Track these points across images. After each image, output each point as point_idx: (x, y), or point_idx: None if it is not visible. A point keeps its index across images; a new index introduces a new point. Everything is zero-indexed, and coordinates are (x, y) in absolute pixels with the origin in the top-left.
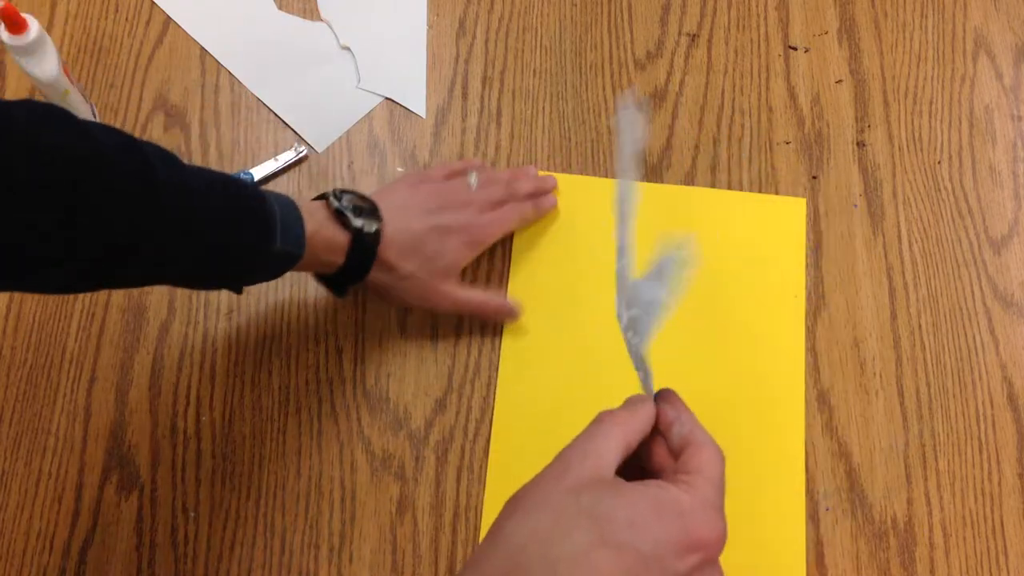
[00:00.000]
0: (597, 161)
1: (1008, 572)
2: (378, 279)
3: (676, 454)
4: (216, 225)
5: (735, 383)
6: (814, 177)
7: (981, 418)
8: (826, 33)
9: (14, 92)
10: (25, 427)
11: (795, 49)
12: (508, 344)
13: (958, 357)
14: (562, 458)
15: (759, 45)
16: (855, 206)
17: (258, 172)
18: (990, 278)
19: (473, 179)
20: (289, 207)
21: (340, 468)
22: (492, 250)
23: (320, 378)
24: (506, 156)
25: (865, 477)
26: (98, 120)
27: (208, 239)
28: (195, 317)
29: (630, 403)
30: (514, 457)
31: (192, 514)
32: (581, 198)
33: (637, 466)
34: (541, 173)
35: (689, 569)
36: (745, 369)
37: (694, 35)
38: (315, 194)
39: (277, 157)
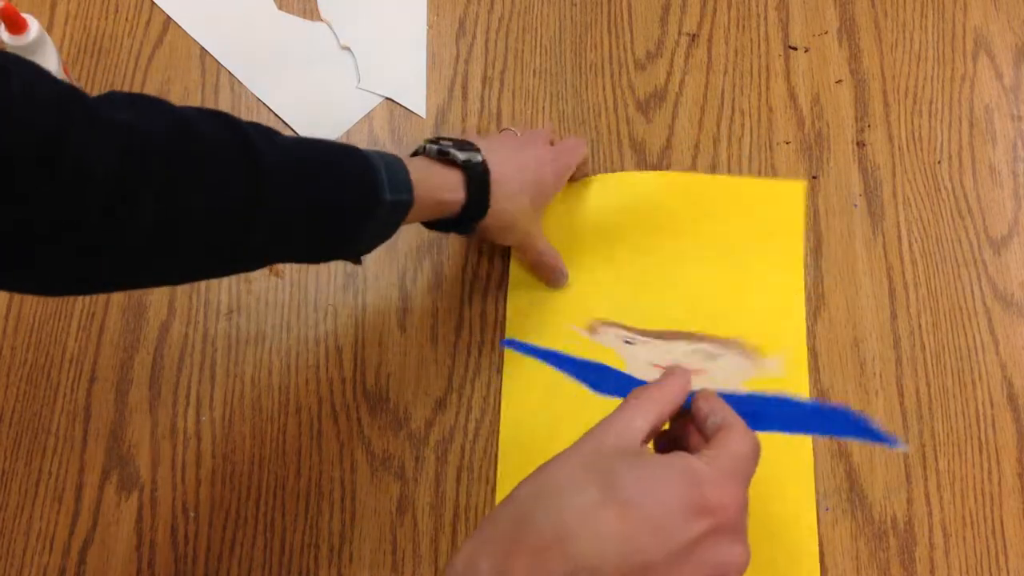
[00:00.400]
0: (597, 161)
1: (1008, 572)
2: (496, 208)
3: (708, 434)
4: (323, 189)
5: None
6: (814, 177)
7: (981, 418)
8: (826, 33)
9: None
10: (25, 427)
11: (795, 49)
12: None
13: (958, 357)
14: (588, 432)
15: (759, 45)
16: (855, 206)
17: None
18: (990, 278)
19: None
20: (389, 157)
21: (340, 468)
22: (491, 254)
23: (320, 378)
24: None
25: (865, 477)
26: None
27: (317, 203)
28: (195, 317)
29: (664, 375)
30: (521, 463)
31: (192, 514)
32: (589, 197)
33: (674, 450)
34: None
35: (698, 535)
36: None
37: (694, 35)
38: None
39: None
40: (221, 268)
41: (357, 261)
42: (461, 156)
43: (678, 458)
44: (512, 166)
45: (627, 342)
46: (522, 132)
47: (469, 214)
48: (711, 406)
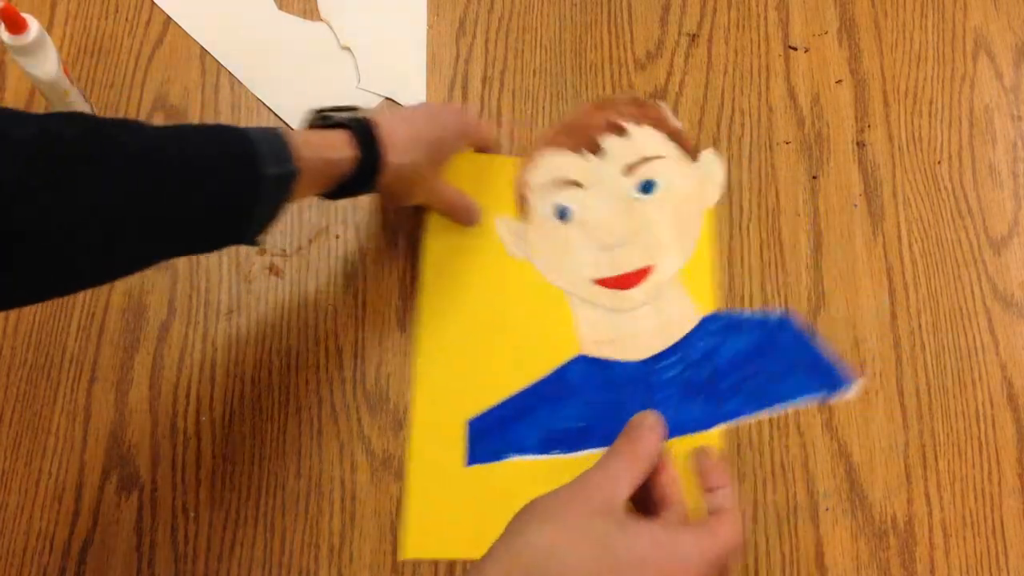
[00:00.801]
0: None
1: (1008, 572)
2: (393, 164)
3: (708, 509)
4: (197, 171)
5: None
6: (814, 177)
7: (981, 418)
8: (826, 33)
9: (14, 92)
10: (25, 427)
11: (795, 49)
12: (424, 333)
13: (958, 357)
14: (580, 482)
15: (759, 45)
16: (855, 206)
17: None
18: (990, 278)
19: None
20: (268, 130)
21: (340, 468)
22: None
23: (320, 378)
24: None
25: (865, 477)
26: None
27: (192, 186)
28: (195, 317)
29: (639, 428)
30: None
31: (192, 514)
32: (487, 176)
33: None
34: None
35: None
36: (703, 287)
37: (694, 35)
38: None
39: None
40: (114, 270)
41: (254, 243)
42: (343, 116)
43: (672, 540)
44: (400, 119)
45: (562, 210)
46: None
47: (364, 168)
48: (719, 479)
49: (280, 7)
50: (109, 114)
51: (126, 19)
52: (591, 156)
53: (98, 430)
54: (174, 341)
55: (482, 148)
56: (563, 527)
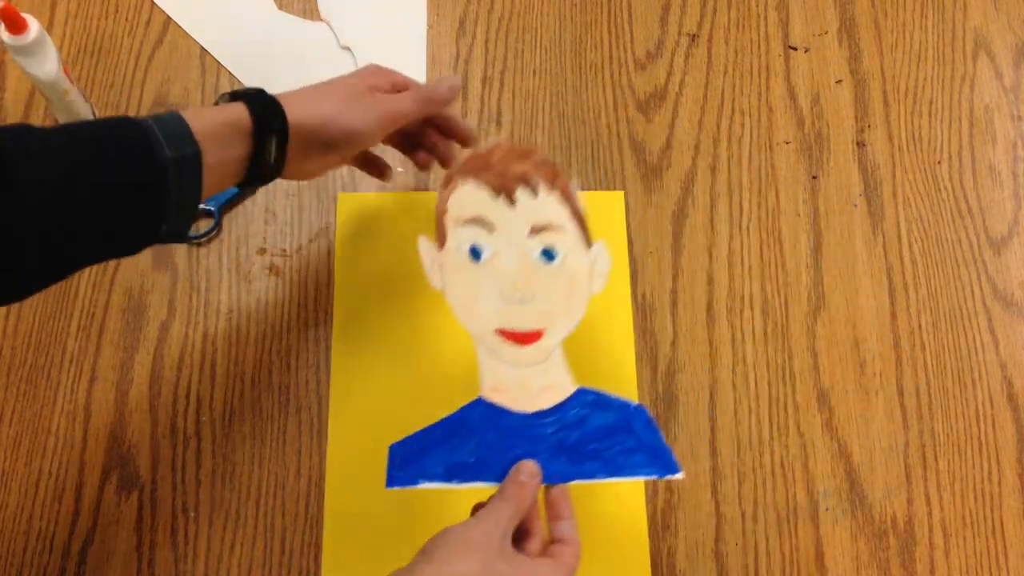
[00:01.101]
0: (597, 160)
1: (1008, 572)
2: (303, 116)
3: (552, 537)
4: (95, 167)
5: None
6: (814, 177)
7: (981, 418)
8: (826, 33)
9: (14, 92)
10: (25, 427)
11: (795, 49)
12: (338, 349)
13: (958, 357)
14: (478, 521)
15: (759, 45)
16: (855, 206)
17: None
18: (990, 278)
19: None
20: (164, 114)
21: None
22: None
23: (320, 378)
24: None
25: (865, 477)
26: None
27: (86, 187)
28: (195, 317)
29: (522, 481)
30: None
31: (192, 514)
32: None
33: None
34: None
35: None
36: (579, 361)
37: (694, 35)
38: (315, 194)
39: None
40: (24, 283)
41: (182, 238)
42: (238, 91)
43: (536, 567)
44: (313, 86)
45: (474, 250)
46: None
47: (263, 121)
48: (567, 512)
49: (280, 7)
50: (109, 114)
51: (126, 19)
52: (506, 204)
53: (98, 430)
54: (174, 341)
55: (432, 106)
56: (470, 560)
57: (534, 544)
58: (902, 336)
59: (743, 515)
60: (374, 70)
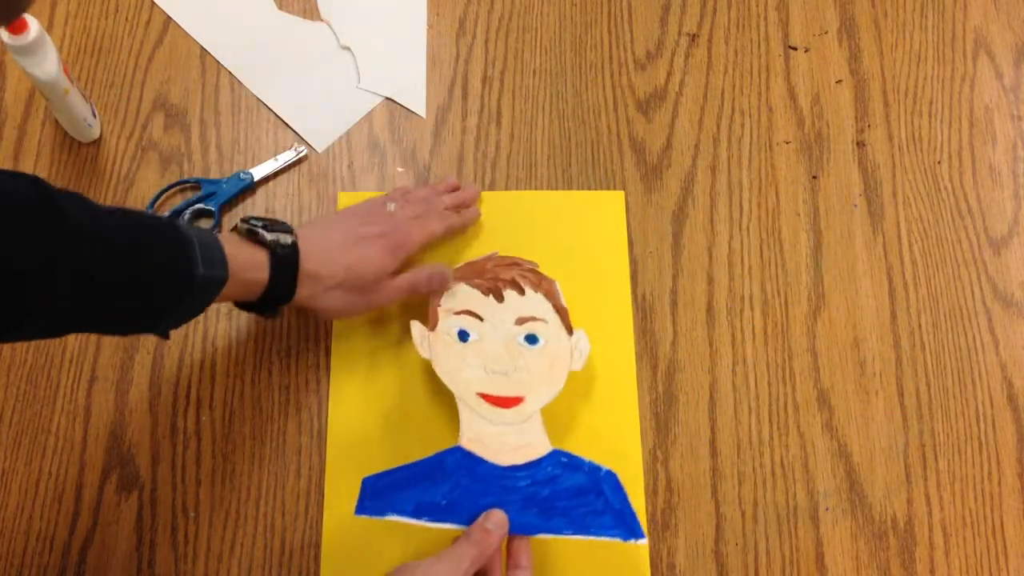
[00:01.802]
0: (597, 160)
1: (1008, 572)
2: (305, 294)
3: None
4: (135, 260)
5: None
6: (814, 177)
7: (981, 418)
8: (826, 33)
9: (14, 92)
10: (25, 427)
11: (795, 49)
12: (337, 367)
13: (958, 357)
14: (440, 559)
15: (759, 45)
16: (855, 206)
17: (258, 172)
18: (990, 278)
19: (392, 206)
20: (204, 234)
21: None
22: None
23: (320, 378)
24: (506, 156)
25: (865, 477)
26: (98, 119)
27: (123, 272)
28: (167, 341)
29: (487, 529)
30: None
31: (192, 514)
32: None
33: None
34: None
35: None
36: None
37: (694, 35)
38: (315, 194)
39: (277, 157)
40: (19, 328)
41: (164, 336)
42: (269, 236)
43: None
44: (329, 246)
45: (462, 333)
46: (400, 200)
47: (272, 295)
48: (525, 562)
49: (280, 7)
50: (109, 114)
51: (126, 19)
52: (494, 301)
53: (98, 430)
54: (174, 341)
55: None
56: None
57: None
58: (902, 336)
59: (743, 515)
60: (407, 252)
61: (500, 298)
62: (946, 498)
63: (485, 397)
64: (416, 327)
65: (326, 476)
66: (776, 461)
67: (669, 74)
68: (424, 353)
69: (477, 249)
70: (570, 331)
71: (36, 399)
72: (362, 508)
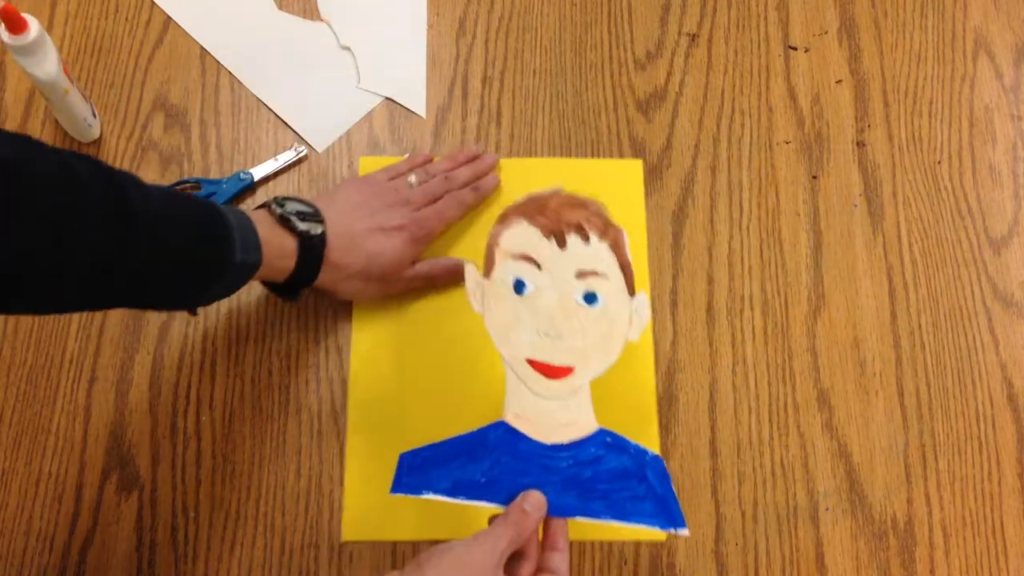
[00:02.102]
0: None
1: (1008, 572)
2: (326, 279)
3: (543, 566)
4: (184, 242)
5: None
6: (814, 177)
7: (981, 418)
8: (826, 33)
9: (14, 92)
10: (25, 427)
11: (795, 49)
12: (357, 348)
13: (958, 357)
14: (476, 540)
15: (759, 45)
16: (855, 206)
17: (258, 172)
18: (990, 278)
19: (413, 179)
20: (242, 218)
21: (340, 468)
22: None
23: (320, 378)
24: (506, 156)
25: (865, 477)
26: (98, 119)
27: (173, 259)
28: (195, 317)
29: (524, 510)
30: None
31: (192, 514)
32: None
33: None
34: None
35: None
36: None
37: (694, 35)
38: (315, 194)
39: (277, 157)
40: (81, 303)
41: (193, 312)
42: (301, 227)
43: None
44: (351, 237)
45: (519, 283)
46: (420, 176)
47: (296, 281)
48: (563, 544)
49: (280, 7)
50: (109, 114)
51: (126, 19)
52: (556, 246)
53: (98, 430)
54: (174, 341)
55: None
56: (458, 572)
57: (527, 568)
58: (902, 336)
59: (743, 515)
60: (427, 242)
61: (563, 243)
62: (946, 498)
63: (533, 364)
64: (470, 272)
65: (347, 450)
66: (776, 461)
67: (669, 74)
68: (476, 306)
69: (489, 219)
70: (632, 292)
71: (36, 399)
72: (398, 485)
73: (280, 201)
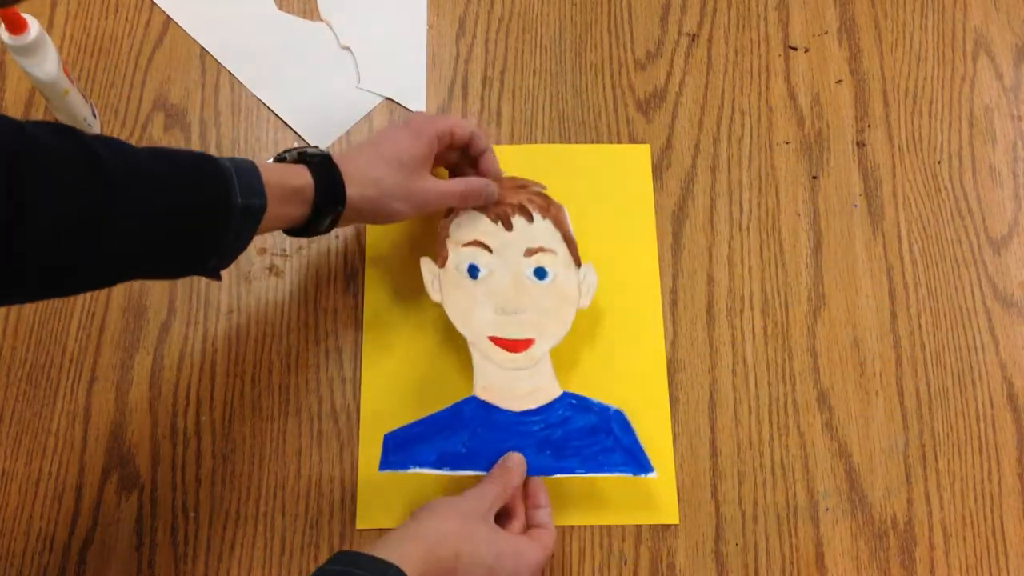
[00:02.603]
0: None
1: (1008, 572)
2: (357, 196)
3: (530, 523)
4: (170, 193)
5: (597, 320)
6: (814, 177)
7: (981, 418)
8: (826, 33)
9: (14, 92)
10: (25, 427)
11: (795, 49)
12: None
13: (958, 357)
14: (467, 496)
15: (759, 45)
16: (855, 206)
17: None
18: (990, 278)
19: None
20: (242, 162)
21: (340, 468)
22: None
23: (320, 378)
24: None
25: (865, 477)
26: (98, 119)
27: (164, 209)
28: (195, 317)
29: (508, 468)
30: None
31: (192, 514)
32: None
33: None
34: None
35: None
36: (607, 305)
37: (694, 35)
38: None
39: None
40: (78, 282)
41: (216, 276)
42: (293, 154)
43: (517, 543)
44: (355, 148)
45: (472, 268)
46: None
47: (322, 201)
48: (544, 500)
49: (280, 7)
50: (109, 114)
51: (126, 19)
52: (503, 230)
53: (98, 430)
54: (174, 341)
55: (464, 145)
56: (454, 522)
57: (516, 525)
58: (902, 336)
59: (743, 515)
60: (431, 134)
61: (509, 226)
62: (946, 498)
63: (496, 341)
64: (426, 265)
65: (360, 432)
66: (776, 461)
67: (669, 74)
68: (435, 296)
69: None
70: (578, 263)
71: (36, 399)
72: (386, 463)
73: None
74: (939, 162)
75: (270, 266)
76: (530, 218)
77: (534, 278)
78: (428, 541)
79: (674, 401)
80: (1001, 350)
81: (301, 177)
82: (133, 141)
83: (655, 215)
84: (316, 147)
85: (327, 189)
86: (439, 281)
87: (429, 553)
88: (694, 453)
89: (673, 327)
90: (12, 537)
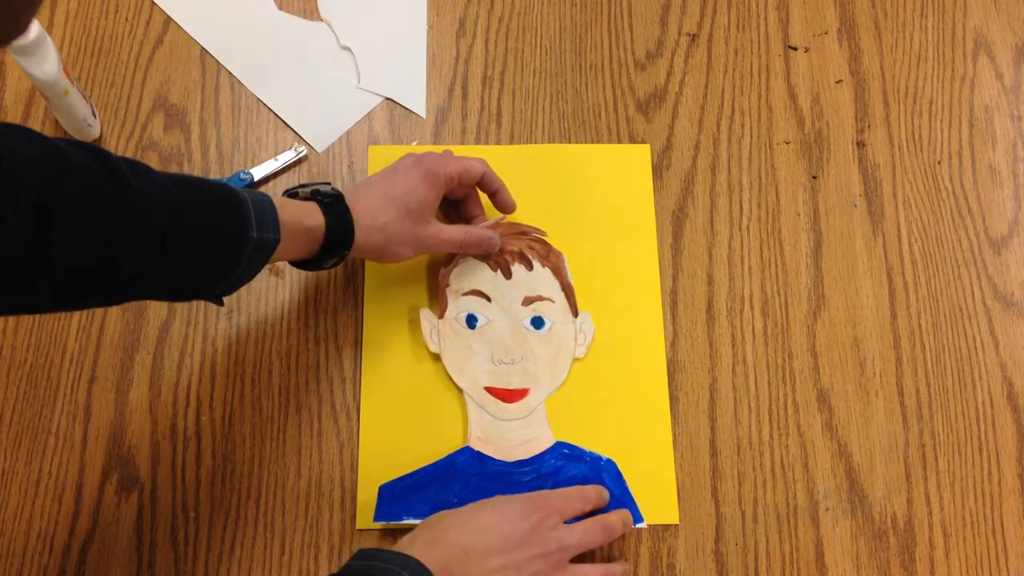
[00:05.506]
0: None
1: (1008, 572)
2: (363, 240)
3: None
4: (190, 222)
5: (598, 315)
6: (814, 177)
7: (981, 418)
8: (826, 33)
9: (14, 92)
10: (25, 427)
11: (795, 49)
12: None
13: (958, 357)
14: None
15: (759, 45)
16: (855, 206)
17: (258, 172)
18: (990, 278)
19: (415, 143)
20: (260, 197)
21: (340, 468)
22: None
23: (320, 378)
24: None
25: (865, 477)
26: (98, 119)
27: (182, 239)
28: (195, 317)
29: (570, 494)
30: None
31: (192, 514)
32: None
33: None
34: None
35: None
36: (607, 305)
37: (694, 35)
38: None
39: (277, 157)
40: (89, 298)
41: (219, 302)
42: (307, 190)
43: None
44: (365, 185)
45: (471, 318)
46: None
47: (332, 239)
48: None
49: (280, 7)
50: (109, 114)
51: (126, 19)
52: (502, 278)
53: (98, 430)
54: (174, 341)
55: (474, 184)
56: (459, 515)
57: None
58: (902, 336)
59: (743, 515)
60: (442, 178)
61: (508, 275)
62: (946, 498)
63: (492, 391)
64: (425, 316)
65: (360, 440)
66: (776, 461)
67: (669, 74)
68: (432, 346)
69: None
70: (575, 312)
71: (36, 399)
72: (380, 515)
73: (292, 188)
74: (939, 162)
75: (270, 266)
76: (529, 266)
77: (531, 327)
78: (441, 536)
79: (674, 401)
80: (1001, 350)
81: (314, 218)
82: (133, 141)
83: (655, 215)
84: (328, 183)
85: (335, 232)
86: (438, 332)
87: (440, 546)
88: (694, 453)
89: (673, 327)
90: (12, 537)
